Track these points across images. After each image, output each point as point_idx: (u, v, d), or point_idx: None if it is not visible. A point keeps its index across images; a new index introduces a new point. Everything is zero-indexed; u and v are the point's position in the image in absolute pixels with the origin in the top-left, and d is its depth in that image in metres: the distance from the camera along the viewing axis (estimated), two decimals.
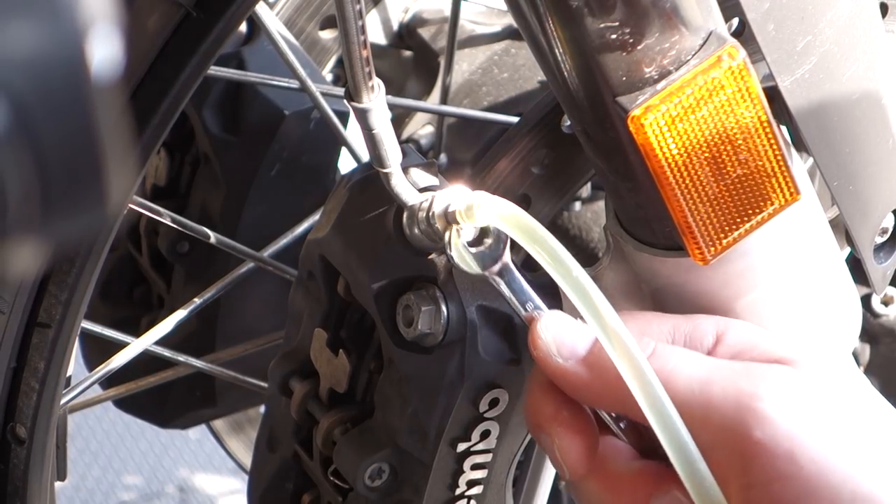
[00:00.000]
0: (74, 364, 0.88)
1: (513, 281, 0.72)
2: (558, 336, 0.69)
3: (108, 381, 1.11)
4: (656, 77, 0.69)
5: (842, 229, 0.84)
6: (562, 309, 0.72)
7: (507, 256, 0.72)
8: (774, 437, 0.62)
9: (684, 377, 0.65)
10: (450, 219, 0.73)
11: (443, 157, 1.25)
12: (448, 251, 0.71)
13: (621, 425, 0.72)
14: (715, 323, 0.70)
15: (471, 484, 0.81)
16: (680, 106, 0.69)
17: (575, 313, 0.69)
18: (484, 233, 0.72)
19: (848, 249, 0.86)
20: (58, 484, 0.93)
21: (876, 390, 0.68)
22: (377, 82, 0.70)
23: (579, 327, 0.69)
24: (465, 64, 1.26)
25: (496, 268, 0.71)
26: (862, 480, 0.61)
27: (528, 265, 0.89)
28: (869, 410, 0.65)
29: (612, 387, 0.66)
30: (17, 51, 0.39)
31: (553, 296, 0.78)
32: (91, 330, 1.03)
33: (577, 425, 0.69)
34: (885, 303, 1.23)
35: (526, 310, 0.71)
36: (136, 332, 1.06)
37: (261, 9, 1.06)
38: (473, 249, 0.71)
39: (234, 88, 1.14)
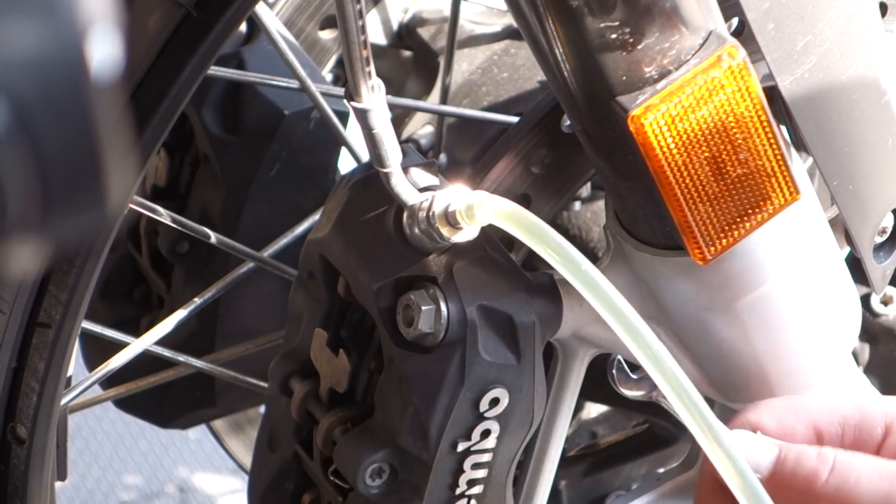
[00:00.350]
0: (74, 364, 0.88)
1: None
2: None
3: (108, 381, 1.10)
4: (656, 77, 0.69)
5: (841, 229, 0.84)
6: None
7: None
8: None
9: (867, 494, 0.65)
10: (450, 219, 0.73)
11: (443, 157, 1.25)
12: (612, 382, 0.71)
13: None
14: (884, 413, 0.70)
15: (471, 483, 0.81)
16: (680, 105, 0.69)
17: (584, 305, 0.69)
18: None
19: (847, 249, 0.86)
20: (58, 484, 0.93)
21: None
22: (377, 82, 0.70)
23: (760, 445, 0.68)
24: (465, 64, 1.26)
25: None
26: None
27: (529, 265, 0.89)
28: None
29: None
30: (17, 51, 0.39)
31: (552, 294, 0.78)
32: (91, 330, 1.03)
33: None
34: (885, 302, 1.22)
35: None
36: (136, 332, 1.06)
37: (261, 9, 1.06)
38: (635, 376, 0.72)
39: (233, 88, 1.14)
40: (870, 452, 0.68)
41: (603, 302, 0.67)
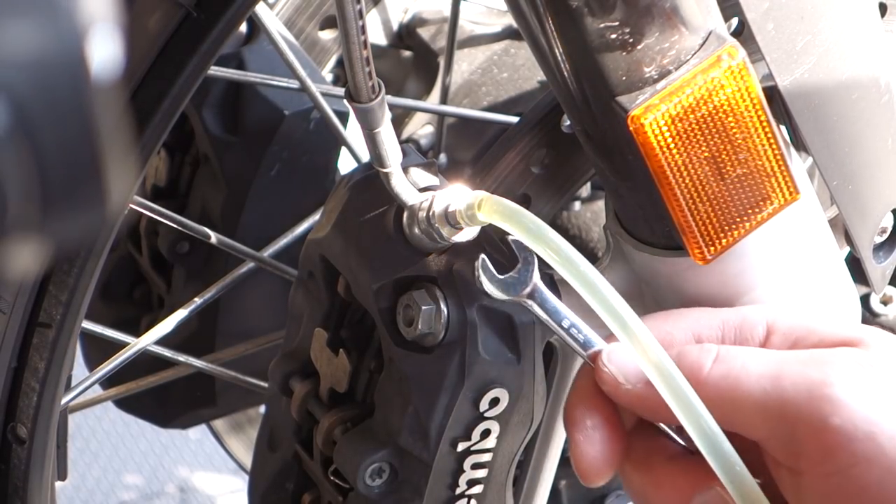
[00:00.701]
0: (75, 364, 0.88)
1: (545, 302, 0.72)
2: (622, 365, 0.69)
3: (109, 381, 1.11)
4: (656, 77, 0.69)
5: (841, 229, 0.84)
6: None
7: (535, 278, 0.72)
8: (852, 422, 0.62)
9: (754, 377, 0.65)
10: (450, 219, 0.73)
11: (443, 157, 1.25)
12: (478, 282, 0.71)
13: (674, 426, 0.72)
14: (762, 313, 0.70)
15: (471, 483, 0.81)
16: (679, 105, 0.69)
17: (582, 306, 0.69)
18: (512, 259, 0.72)
19: (847, 249, 0.86)
20: (58, 484, 0.93)
21: None
22: (377, 82, 0.70)
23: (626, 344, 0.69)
24: (465, 64, 1.26)
25: (526, 291, 0.71)
26: None
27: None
28: None
29: None
30: (17, 51, 0.39)
31: (553, 287, 0.78)
32: (91, 330, 1.03)
33: (603, 431, 0.69)
34: (885, 302, 1.23)
35: (563, 327, 0.71)
36: (136, 332, 1.06)
37: (261, 9, 1.06)
38: (502, 276, 0.71)
39: (234, 88, 1.14)
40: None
41: (600, 302, 0.67)
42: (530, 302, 0.71)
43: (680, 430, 0.71)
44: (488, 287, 0.71)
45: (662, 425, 0.71)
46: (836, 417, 0.62)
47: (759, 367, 0.66)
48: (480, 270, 0.71)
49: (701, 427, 0.65)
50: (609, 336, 0.69)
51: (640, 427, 0.71)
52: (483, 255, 0.71)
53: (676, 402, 0.65)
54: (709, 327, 0.70)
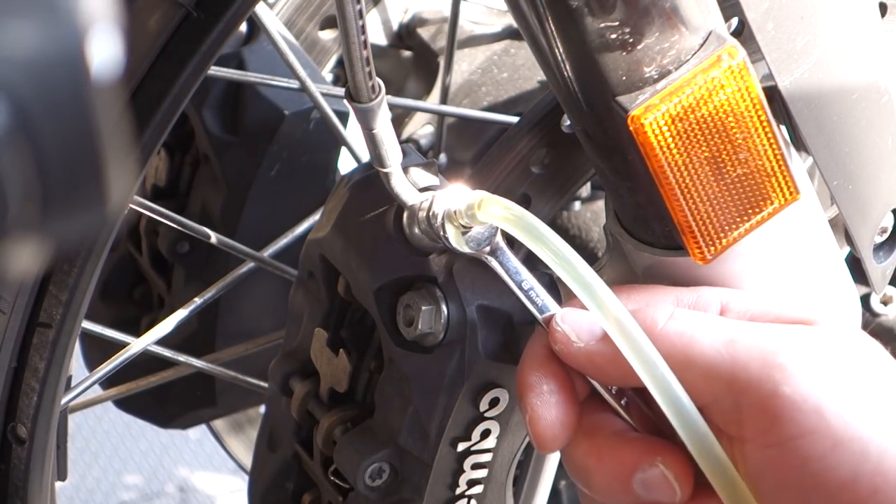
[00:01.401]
0: (75, 364, 0.88)
1: (507, 261, 0.72)
2: (574, 324, 0.69)
3: (109, 381, 1.11)
4: (656, 77, 0.69)
5: (841, 229, 0.84)
6: (558, 299, 0.73)
7: (499, 237, 0.72)
8: (801, 393, 0.62)
9: (709, 339, 0.65)
10: (450, 218, 0.73)
11: (443, 157, 1.25)
12: (443, 233, 0.72)
13: (623, 402, 0.72)
14: (717, 293, 0.70)
15: (471, 483, 0.81)
16: (680, 105, 0.69)
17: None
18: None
19: (847, 249, 0.86)
20: (58, 484, 0.93)
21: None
22: (377, 82, 0.70)
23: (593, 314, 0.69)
24: (465, 64, 1.26)
25: (488, 248, 0.72)
26: (889, 437, 0.61)
27: (529, 265, 0.89)
28: (887, 369, 0.65)
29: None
30: (17, 51, 0.39)
31: (552, 294, 0.78)
32: (91, 330, 1.03)
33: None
34: (885, 302, 1.23)
35: (522, 289, 0.72)
36: (137, 332, 1.06)
37: (261, 9, 1.06)
38: (467, 231, 0.72)
39: (234, 88, 1.14)
40: None
41: (598, 304, 0.67)
42: (491, 258, 0.72)
43: (630, 406, 0.71)
44: (453, 239, 0.72)
45: (610, 400, 0.71)
46: (786, 386, 0.62)
47: (714, 330, 0.66)
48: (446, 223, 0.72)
49: (657, 378, 0.65)
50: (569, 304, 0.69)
51: (586, 403, 0.71)
52: (449, 208, 0.72)
53: (633, 353, 0.65)
54: (663, 300, 0.70)
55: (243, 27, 1.16)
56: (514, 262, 0.72)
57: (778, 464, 0.63)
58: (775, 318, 0.68)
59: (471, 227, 0.72)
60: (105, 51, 0.40)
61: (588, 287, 0.67)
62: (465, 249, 0.72)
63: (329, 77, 1.26)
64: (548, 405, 0.69)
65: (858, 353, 0.66)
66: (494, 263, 0.72)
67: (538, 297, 0.72)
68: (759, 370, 0.63)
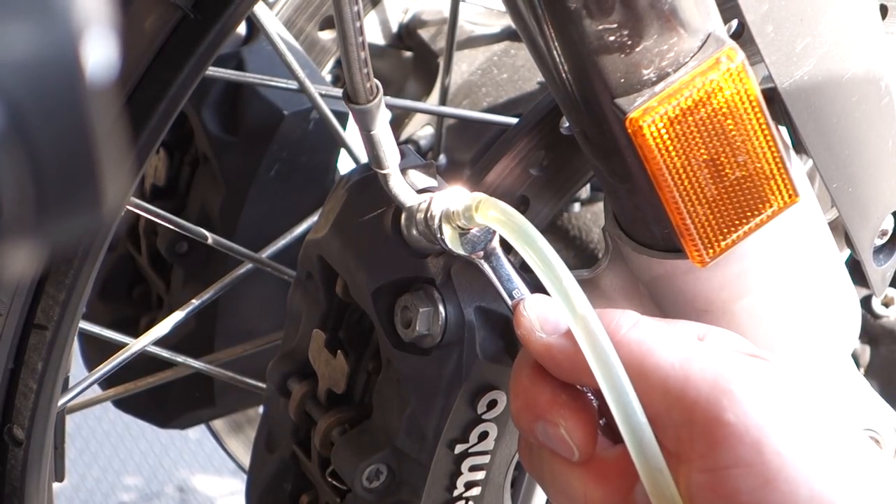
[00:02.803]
0: (73, 364, 0.88)
1: (500, 267, 0.72)
2: (541, 314, 0.69)
3: (108, 382, 1.11)
4: (655, 79, 0.69)
5: (841, 231, 0.84)
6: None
7: (495, 242, 0.72)
8: (745, 423, 0.62)
9: (667, 351, 0.65)
10: (448, 220, 0.73)
11: (442, 158, 1.25)
12: (440, 234, 0.72)
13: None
14: (696, 327, 0.70)
15: (469, 485, 0.81)
16: (678, 108, 0.69)
17: None
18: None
19: (847, 251, 0.86)
20: (58, 484, 0.93)
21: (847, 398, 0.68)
22: (376, 83, 0.70)
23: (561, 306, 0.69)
24: (465, 65, 1.26)
25: (482, 252, 0.72)
26: (822, 483, 0.61)
27: (528, 265, 0.89)
28: (838, 417, 0.65)
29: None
30: (13, 52, 0.38)
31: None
32: (90, 330, 1.03)
33: (579, 403, 0.69)
34: (885, 304, 1.23)
35: (513, 297, 0.72)
36: (135, 333, 1.06)
37: (260, 9, 1.06)
38: (464, 233, 0.72)
39: (233, 89, 1.14)
40: None
41: (577, 321, 0.66)
42: (484, 262, 0.72)
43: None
44: (449, 240, 0.72)
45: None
46: (730, 414, 0.62)
47: (673, 345, 0.66)
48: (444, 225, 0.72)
49: (613, 381, 0.64)
50: None
51: None
52: (448, 209, 0.72)
53: (592, 352, 0.65)
54: (633, 313, 0.70)
55: (242, 27, 1.16)
56: (508, 267, 0.72)
57: (710, 490, 0.62)
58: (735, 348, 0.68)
59: (469, 230, 0.72)
60: (101, 53, 0.40)
61: (569, 301, 0.66)
62: (461, 251, 0.72)
63: (328, 77, 1.26)
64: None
65: (810, 393, 0.65)
66: (486, 267, 0.72)
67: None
68: (707, 392, 0.63)
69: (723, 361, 0.65)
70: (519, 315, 0.70)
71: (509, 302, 0.72)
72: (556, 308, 0.69)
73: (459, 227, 0.72)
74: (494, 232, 0.72)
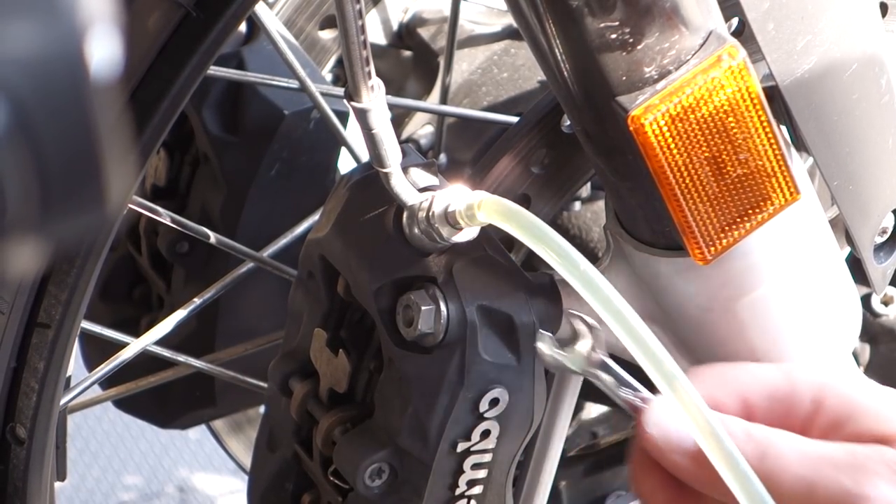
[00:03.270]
0: (74, 364, 0.88)
1: (613, 374, 0.71)
2: (664, 432, 0.66)
3: (108, 382, 1.11)
4: (656, 77, 0.69)
5: (842, 229, 0.84)
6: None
7: (602, 353, 0.72)
8: None
9: (789, 476, 0.64)
10: (450, 219, 0.73)
11: (442, 157, 1.25)
12: (542, 358, 0.72)
13: None
14: (812, 387, 0.68)
15: (471, 484, 0.81)
16: (680, 105, 0.69)
17: (583, 305, 0.68)
18: (575, 334, 0.72)
19: (848, 249, 0.86)
20: (58, 484, 0.93)
21: None
22: (377, 82, 0.70)
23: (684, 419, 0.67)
24: (465, 64, 1.26)
25: (594, 366, 0.71)
26: None
27: (529, 265, 0.89)
28: None
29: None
30: (16, 50, 0.38)
31: (552, 294, 0.78)
32: (91, 330, 1.03)
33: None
34: (886, 302, 1.22)
35: (629, 394, 0.70)
36: (136, 333, 1.06)
37: (260, 9, 1.06)
38: (566, 352, 0.72)
39: (233, 88, 1.14)
40: (796, 427, 0.66)
41: (602, 301, 0.66)
42: (602, 374, 0.71)
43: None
44: (552, 364, 0.72)
45: None
46: None
47: (796, 466, 0.64)
48: (542, 347, 0.72)
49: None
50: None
51: None
52: (541, 331, 0.73)
53: (738, 485, 0.63)
54: (758, 395, 0.68)
55: (243, 27, 1.16)
56: (622, 374, 0.71)
57: None
58: (856, 428, 0.66)
59: (568, 343, 0.72)
60: (104, 51, 0.40)
61: (592, 284, 0.66)
62: (573, 368, 0.72)
63: (329, 77, 1.26)
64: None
65: None
66: (603, 378, 0.71)
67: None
68: None
69: (846, 473, 0.63)
70: (643, 431, 0.67)
71: (627, 402, 0.70)
72: (679, 423, 0.66)
73: (557, 345, 0.72)
74: (600, 343, 0.71)
